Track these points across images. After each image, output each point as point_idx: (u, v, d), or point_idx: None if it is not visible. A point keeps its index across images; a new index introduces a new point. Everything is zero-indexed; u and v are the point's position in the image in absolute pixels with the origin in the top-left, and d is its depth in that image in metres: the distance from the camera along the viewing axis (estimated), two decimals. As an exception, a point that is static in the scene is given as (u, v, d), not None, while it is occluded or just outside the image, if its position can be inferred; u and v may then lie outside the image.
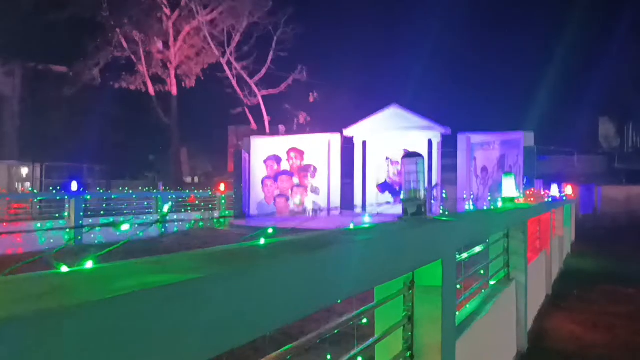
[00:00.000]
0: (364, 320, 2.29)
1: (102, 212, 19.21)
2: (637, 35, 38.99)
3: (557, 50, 35.77)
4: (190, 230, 21.49)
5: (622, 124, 39.02)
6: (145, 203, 20.92)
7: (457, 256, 3.65)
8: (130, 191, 21.60)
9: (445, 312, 2.66)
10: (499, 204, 7.06)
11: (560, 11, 33.72)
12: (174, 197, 22.59)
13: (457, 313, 3.74)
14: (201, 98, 31.11)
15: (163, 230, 21.28)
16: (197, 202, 23.39)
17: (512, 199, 7.11)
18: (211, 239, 18.23)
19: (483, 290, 5.63)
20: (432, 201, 23.10)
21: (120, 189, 23.38)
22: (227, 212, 24.47)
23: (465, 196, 23.87)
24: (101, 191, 22.40)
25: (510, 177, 7.21)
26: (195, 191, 24.37)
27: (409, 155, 3.39)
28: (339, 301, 1.69)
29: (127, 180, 33.76)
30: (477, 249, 5.25)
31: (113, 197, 20.51)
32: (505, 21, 32.73)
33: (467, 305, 4.61)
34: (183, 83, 30.30)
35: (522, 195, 8.29)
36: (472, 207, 20.57)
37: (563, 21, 33.98)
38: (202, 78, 30.47)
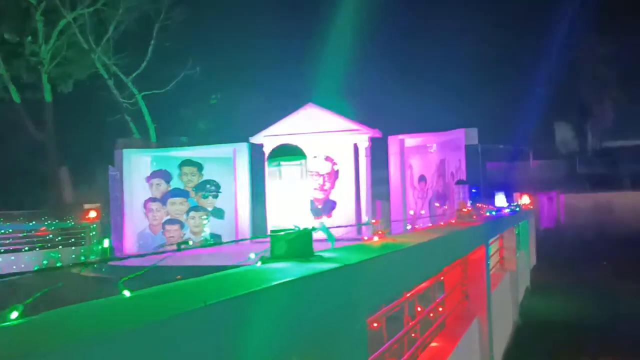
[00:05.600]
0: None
1: None
2: (587, 34, 35.39)
3: (505, 43, 31.68)
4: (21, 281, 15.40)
5: (581, 125, 35.24)
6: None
7: None
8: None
9: None
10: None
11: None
12: (10, 230, 16.89)
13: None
14: (87, 106, 25.46)
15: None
16: (51, 235, 17.74)
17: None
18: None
19: None
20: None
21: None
22: (97, 248, 18.87)
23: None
24: None
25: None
26: (49, 222, 18.61)
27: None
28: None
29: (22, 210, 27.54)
30: None
31: None
32: (445, 8, 28.49)
33: None
34: (59, 89, 24.67)
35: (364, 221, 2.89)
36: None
37: (513, 9, 29.95)
38: (87, 83, 24.95)
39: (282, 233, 2.11)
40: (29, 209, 24.37)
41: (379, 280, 2.25)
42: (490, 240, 6.65)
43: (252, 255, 2.09)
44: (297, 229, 2.07)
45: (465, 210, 5.73)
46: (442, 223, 5.16)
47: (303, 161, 2.21)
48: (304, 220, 2.15)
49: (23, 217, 19.22)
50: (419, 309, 4.18)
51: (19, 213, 21.06)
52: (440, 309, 4.83)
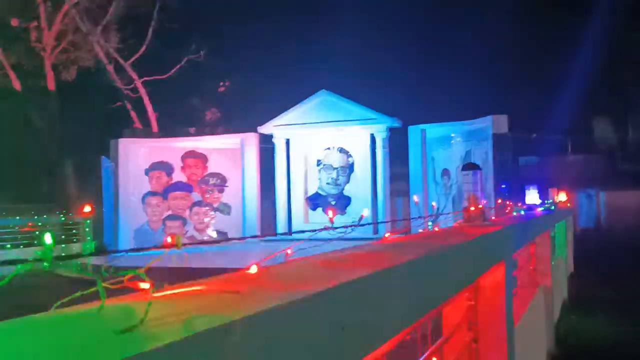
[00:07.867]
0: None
1: None
2: (630, 19, 32.53)
3: (542, 27, 29.21)
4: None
5: (624, 117, 32.54)
6: None
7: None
8: None
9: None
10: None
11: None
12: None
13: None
14: (87, 94, 24.07)
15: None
16: (37, 232, 16.43)
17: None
18: None
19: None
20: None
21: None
22: (90, 245, 17.54)
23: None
24: None
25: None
26: (37, 217, 17.28)
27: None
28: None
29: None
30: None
31: None
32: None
33: None
34: (62, 76, 23.39)
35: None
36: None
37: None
38: (91, 70, 23.66)
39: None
40: (28, 202, 23.23)
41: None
42: (515, 252, 4.78)
43: None
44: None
45: (474, 208, 3.92)
46: (437, 228, 3.37)
47: None
48: None
49: (20, 211, 17.94)
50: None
51: (13, 207, 19.88)
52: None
